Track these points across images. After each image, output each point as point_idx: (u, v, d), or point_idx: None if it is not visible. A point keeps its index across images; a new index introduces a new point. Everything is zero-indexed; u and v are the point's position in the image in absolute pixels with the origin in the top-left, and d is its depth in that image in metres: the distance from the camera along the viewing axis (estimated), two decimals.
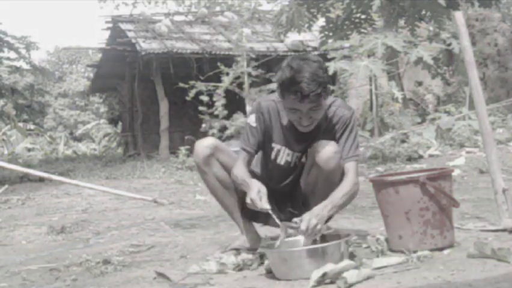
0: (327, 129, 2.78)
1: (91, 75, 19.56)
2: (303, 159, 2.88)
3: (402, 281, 2.20)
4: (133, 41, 12.21)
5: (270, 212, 2.58)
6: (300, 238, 2.61)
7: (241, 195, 2.98)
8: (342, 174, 2.82)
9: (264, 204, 2.59)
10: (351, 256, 2.53)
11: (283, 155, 2.87)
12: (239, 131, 9.19)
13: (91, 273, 2.77)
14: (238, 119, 9.49)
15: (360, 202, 4.22)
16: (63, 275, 2.79)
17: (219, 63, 9.91)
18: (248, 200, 2.64)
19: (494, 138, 3.51)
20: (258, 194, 2.61)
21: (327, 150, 2.69)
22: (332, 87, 9.52)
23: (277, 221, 2.57)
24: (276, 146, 2.86)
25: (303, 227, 2.48)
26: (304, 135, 2.80)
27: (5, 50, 14.78)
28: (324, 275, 2.24)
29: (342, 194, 2.68)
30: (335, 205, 2.64)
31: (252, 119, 2.84)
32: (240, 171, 2.79)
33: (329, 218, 2.98)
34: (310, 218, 2.51)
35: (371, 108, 10.87)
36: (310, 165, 2.80)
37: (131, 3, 17.37)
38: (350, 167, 2.76)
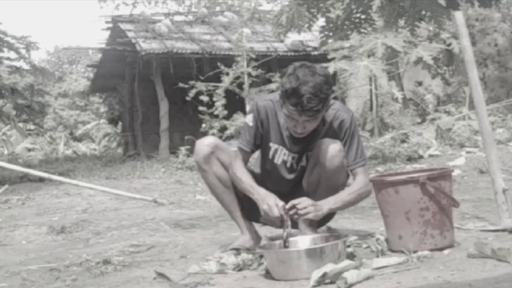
0: (327, 133, 2.78)
1: (91, 75, 19.55)
2: (303, 163, 2.87)
3: (402, 281, 2.20)
4: (133, 41, 12.20)
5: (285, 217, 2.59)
6: (300, 239, 2.62)
7: (241, 195, 2.98)
8: (346, 175, 2.84)
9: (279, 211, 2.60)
10: (351, 256, 2.54)
11: (280, 155, 2.87)
12: (239, 131, 9.18)
13: (91, 273, 2.77)
14: (238, 119, 9.48)
15: (360, 202, 4.22)
16: (63, 275, 2.79)
17: (219, 63, 9.90)
18: (263, 210, 2.65)
19: (494, 138, 3.51)
20: (274, 202, 2.62)
21: (331, 149, 2.70)
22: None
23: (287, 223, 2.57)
24: (273, 146, 2.87)
25: (293, 201, 2.57)
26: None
27: (5, 50, 14.77)
28: (324, 275, 2.24)
29: (350, 192, 2.76)
30: (339, 200, 2.72)
31: (249, 119, 2.86)
32: (243, 174, 2.81)
33: (330, 218, 2.99)
34: (305, 200, 2.58)
35: (371, 108, 10.87)
36: (313, 164, 2.80)
37: (131, 3, 17.35)
38: (358, 171, 2.80)
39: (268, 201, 2.64)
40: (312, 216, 2.60)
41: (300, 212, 2.57)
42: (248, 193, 2.77)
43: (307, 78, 2.56)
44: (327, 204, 2.67)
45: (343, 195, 2.75)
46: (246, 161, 2.90)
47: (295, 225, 2.71)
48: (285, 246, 2.51)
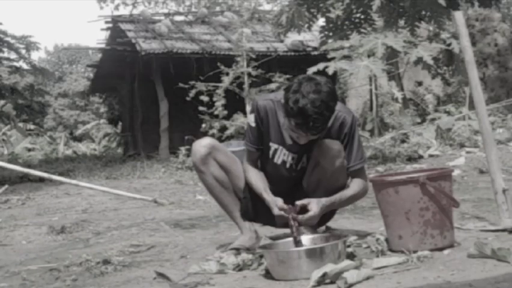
0: (328, 134, 2.77)
1: (91, 75, 19.55)
2: (303, 163, 2.87)
3: (402, 281, 2.20)
4: (133, 41, 12.20)
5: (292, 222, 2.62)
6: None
7: (240, 195, 2.99)
8: (346, 175, 2.84)
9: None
10: (351, 256, 2.54)
11: (280, 155, 2.87)
12: (239, 131, 9.19)
13: (91, 273, 2.77)
14: (238, 119, 9.49)
15: (360, 202, 4.22)
16: (63, 275, 2.79)
17: (219, 63, 9.90)
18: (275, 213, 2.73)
19: (494, 138, 3.51)
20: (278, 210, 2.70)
21: (332, 150, 2.71)
22: None
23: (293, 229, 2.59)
24: (273, 145, 2.87)
25: (311, 213, 2.65)
26: None
27: (5, 50, 14.78)
28: (324, 275, 2.24)
29: (351, 194, 2.82)
30: (340, 203, 2.84)
31: (251, 119, 2.87)
32: (253, 177, 2.88)
33: (330, 218, 2.99)
34: (315, 209, 2.66)
35: (371, 108, 10.87)
36: (314, 165, 2.80)
37: (131, 3, 17.35)
38: (358, 172, 2.83)
39: (271, 205, 2.72)
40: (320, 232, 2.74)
41: (300, 219, 2.63)
42: (260, 197, 2.84)
43: (313, 96, 2.50)
44: (323, 205, 2.72)
45: (339, 197, 2.80)
46: (255, 161, 2.93)
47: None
48: (298, 245, 2.52)
